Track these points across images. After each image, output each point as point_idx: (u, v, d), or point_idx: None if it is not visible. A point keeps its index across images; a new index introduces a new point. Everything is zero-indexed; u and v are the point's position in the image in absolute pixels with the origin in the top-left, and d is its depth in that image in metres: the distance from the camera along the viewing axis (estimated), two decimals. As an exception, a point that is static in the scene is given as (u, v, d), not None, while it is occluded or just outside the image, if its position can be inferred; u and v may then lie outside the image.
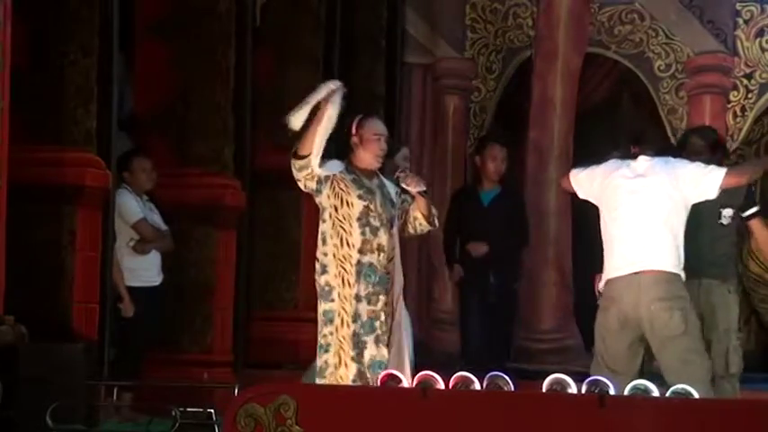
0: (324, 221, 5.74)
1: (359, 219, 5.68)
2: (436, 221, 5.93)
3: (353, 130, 5.83)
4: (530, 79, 10.00)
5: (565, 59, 9.85)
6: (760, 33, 9.63)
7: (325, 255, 5.72)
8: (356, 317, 5.65)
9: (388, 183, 5.86)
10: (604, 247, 5.64)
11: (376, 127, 5.86)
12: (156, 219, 7.55)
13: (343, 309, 5.65)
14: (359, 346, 5.64)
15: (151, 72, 8.16)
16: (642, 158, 5.68)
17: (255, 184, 8.60)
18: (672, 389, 4.46)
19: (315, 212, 9.09)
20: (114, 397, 6.90)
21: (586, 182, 5.78)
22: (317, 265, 5.75)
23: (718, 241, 6.45)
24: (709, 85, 9.73)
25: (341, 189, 5.71)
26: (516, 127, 10.18)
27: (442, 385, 4.59)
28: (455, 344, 9.23)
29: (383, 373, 5.11)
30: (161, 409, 6.39)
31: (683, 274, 5.56)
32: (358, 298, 5.66)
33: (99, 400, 6.79)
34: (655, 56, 9.89)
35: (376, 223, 5.70)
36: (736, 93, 9.68)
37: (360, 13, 9.73)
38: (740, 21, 9.68)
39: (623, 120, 10.20)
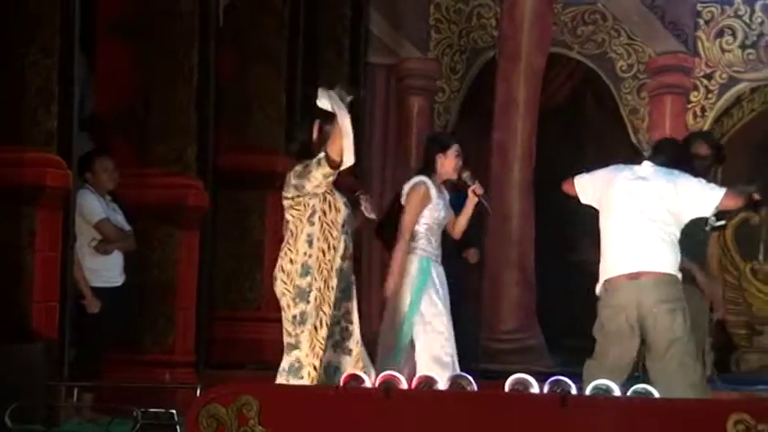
0: (312, 224, 5.72)
1: (342, 225, 5.74)
2: None
3: (316, 135, 5.87)
4: (494, 79, 10.03)
5: (528, 60, 9.89)
6: (720, 34, 9.69)
7: (310, 257, 5.72)
8: (337, 320, 5.73)
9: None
10: (602, 248, 5.64)
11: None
12: (120, 219, 7.51)
13: (323, 311, 5.66)
14: (337, 347, 5.73)
15: (113, 72, 8.12)
16: (647, 164, 5.73)
17: (218, 184, 8.57)
18: (632, 388, 4.48)
19: (278, 212, 9.13)
20: (75, 397, 6.86)
21: (589, 186, 5.77)
22: (296, 267, 5.72)
23: (700, 247, 6.53)
24: (670, 85, 9.79)
25: (328, 193, 5.75)
26: (480, 127, 10.21)
27: (405, 385, 4.59)
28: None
29: (345, 373, 5.10)
30: (122, 410, 6.35)
31: (680, 276, 5.58)
32: (335, 303, 5.72)
33: (59, 400, 6.74)
34: (617, 56, 9.94)
35: (350, 230, 5.80)
36: (696, 93, 9.74)
37: (323, 13, 9.72)
38: (701, 21, 9.75)
39: (586, 120, 10.25)
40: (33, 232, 6.81)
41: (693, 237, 6.55)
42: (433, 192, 6.42)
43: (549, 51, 9.95)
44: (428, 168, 6.51)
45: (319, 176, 5.69)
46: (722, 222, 6.67)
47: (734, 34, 9.68)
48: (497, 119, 9.88)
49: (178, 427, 6.23)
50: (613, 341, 5.54)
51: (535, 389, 4.47)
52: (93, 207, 7.34)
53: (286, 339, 5.73)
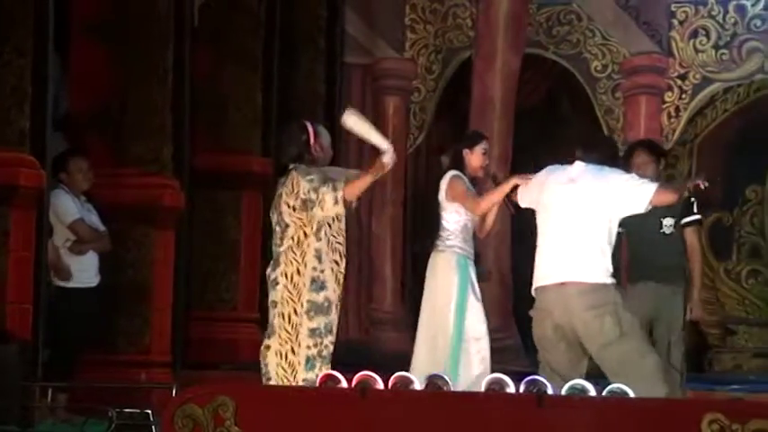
0: (319, 240, 5.71)
1: (346, 230, 5.78)
2: None
3: (313, 137, 5.84)
4: (469, 79, 10.04)
5: (504, 60, 9.90)
6: (694, 34, 9.73)
7: (323, 271, 5.71)
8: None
9: None
10: (536, 253, 5.65)
11: (327, 133, 5.96)
12: (94, 219, 7.48)
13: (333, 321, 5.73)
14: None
15: (87, 72, 8.09)
16: (578, 164, 5.66)
17: (194, 184, 8.56)
18: (608, 388, 4.50)
19: (254, 212, 9.14)
20: (49, 398, 6.83)
21: (526, 191, 5.77)
22: (304, 280, 5.69)
23: (662, 249, 6.57)
24: (644, 85, 9.81)
25: None
26: (456, 127, 10.21)
27: (381, 385, 4.59)
28: (395, 344, 9.24)
29: (322, 373, 5.10)
30: (97, 410, 6.33)
31: (610, 281, 5.52)
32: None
33: (33, 401, 6.72)
34: (592, 56, 9.96)
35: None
36: (670, 93, 9.77)
37: (299, 13, 9.71)
38: (675, 22, 9.78)
39: (561, 120, 10.28)
40: (7, 232, 6.78)
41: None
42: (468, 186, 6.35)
43: (525, 52, 9.96)
44: (458, 164, 6.44)
45: (331, 211, 5.67)
46: (693, 218, 6.68)
47: (707, 35, 9.72)
48: (473, 119, 9.89)
49: (153, 427, 6.22)
50: (542, 346, 5.57)
51: (511, 389, 4.48)
52: (68, 207, 7.31)
53: (306, 352, 5.64)
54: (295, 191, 5.74)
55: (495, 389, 4.49)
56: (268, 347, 5.68)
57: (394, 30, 10.23)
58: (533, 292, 5.59)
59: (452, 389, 4.56)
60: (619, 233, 6.71)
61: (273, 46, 9.27)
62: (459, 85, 10.22)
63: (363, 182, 5.67)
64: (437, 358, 6.14)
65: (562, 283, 5.43)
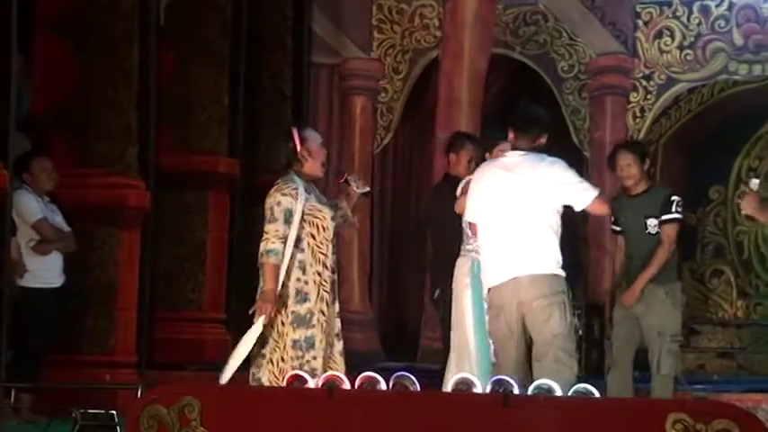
0: (302, 251, 5.73)
1: (332, 240, 5.78)
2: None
3: (298, 144, 5.85)
4: (436, 80, 10.05)
5: (471, 60, 9.92)
6: (659, 35, 9.78)
7: (306, 283, 5.73)
8: (341, 334, 5.81)
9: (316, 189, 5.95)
10: (482, 252, 5.59)
11: (317, 136, 5.99)
12: (59, 220, 7.43)
13: (329, 331, 5.72)
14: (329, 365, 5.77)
15: (51, 71, 8.03)
16: (514, 153, 5.54)
17: (160, 184, 8.52)
18: (574, 388, 4.51)
19: (220, 213, 9.12)
20: (12, 399, 6.78)
21: (469, 204, 5.64)
22: (288, 291, 5.72)
23: (649, 249, 6.57)
24: (610, 86, 9.86)
25: (314, 217, 5.75)
26: (423, 127, 10.23)
27: (347, 386, 4.59)
28: (362, 344, 9.25)
29: (290, 373, 5.09)
30: (61, 411, 6.29)
31: (561, 272, 5.45)
32: (338, 315, 5.82)
33: (-4, 402, 6.68)
34: (558, 57, 10.00)
35: (335, 241, 5.83)
36: (635, 94, 9.81)
37: (266, 12, 9.69)
38: (640, 22, 9.83)
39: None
40: (-30, 233, 6.74)
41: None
42: None
43: (492, 52, 9.99)
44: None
45: (262, 249, 5.73)
46: (672, 216, 6.67)
47: (672, 35, 9.77)
48: (440, 119, 9.91)
49: (118, 428, 6.18)
50: (496, 343, 5.54)
51: (478, 389, 4.48)
52: (31, 207, 7.26)
53: (290, 363, 5.65)
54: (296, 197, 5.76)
55: (462, 389, 4.49)
56: (264, 356, 5.72)
57: (361, 30, 10.24)
58: (485, 293, 5.57)
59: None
60: (615, 231, 6.80)
61: (240, 45, 9.25)
62: (426, 85, 10.23)
63: (266, 277, 5.67)
64: (463, 364, 6.15)
65: (514, 278, 5.39)
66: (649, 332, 6.54)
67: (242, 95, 9.25)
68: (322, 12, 10.19)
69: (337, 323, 5.83)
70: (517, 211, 5.41)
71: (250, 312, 5.76)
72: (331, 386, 4.49)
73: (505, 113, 6.08)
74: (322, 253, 5.74)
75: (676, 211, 6.61)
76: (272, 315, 5.70)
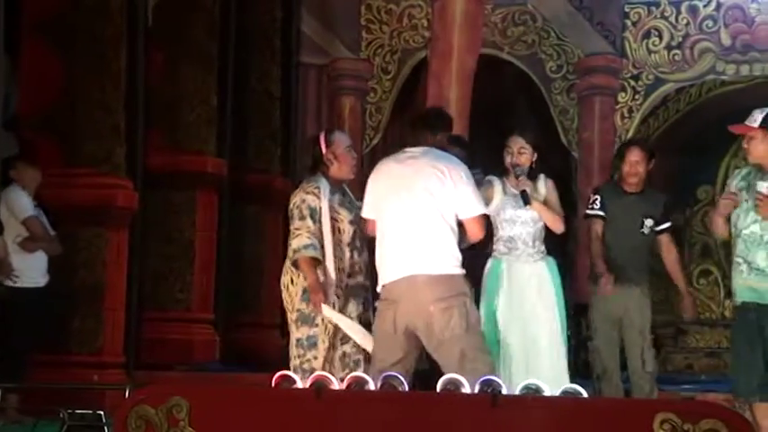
0: None
1: (349, 243, 5.74)
2: None
3: (324, 148, 5.81)
4: (425, 80, 10.06)
5: (459, 60, 9.92)
6: (647, 35, 9.80)
7: None
8: (348, 338, 5.71)
9: (349, 193, 5.91)
10: (377, 247, 5.41)
11: (345, 140, 5.93)
12: (45, 222, 7.43)
13: (333, 333, 5.69)
14: (349, 366, 5.71)
15: (38, 71, 8.03)
16: (409, 151, 5.45)
17: (148, 185, 8.52)
18: (562, 388, 4.51)
19: (208, 213, 9.11)
20: (-1, 399, 6.79)
21: (367, 203, 5.46)
22: (297, 289, 5.71)
23: (639, 249, 6.62)
24: (598, 86, 9.87)
25: (332, 219, 5.71)
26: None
27: (336, 386, 4.59)
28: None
29: (278, 374, 5.09)
30: (48, 411, 6.28)
31: (459, 271, 5.34)
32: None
33: (-16, 402, 6.67)
34: (547, 57, 10.01)
35: (359, 244, 5.77)
36: (624, 94, 9.83)
37: (255, 13, 9.70)
38: (628, 23, 9.85)
39: (517, 120, 10.32)
40: (-44, 232, 6.73)
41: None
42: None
43: (480, 52, 10.00)
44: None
45: (289, 250, 5.72)
46: (669, 224, 6.76)
47: (660, 35, 9.79)
48: (429, 119, 9.89)
49: (106, 428, 6.18)
50: (377, 338, 5.37)
51: (466, 389, 4.48)
52: (23, 203, 7.28)
53: (292, 362, 5.69)
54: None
55: (450, 389, 4.49)
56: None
57: (350, 30, 10.24)
58: (380, 289, 5.37)
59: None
60: (600, 216, 6.79)
61: (228, 46, 9.25)
62: (415, 85, 10.24)
63: (306, 271, 5.63)
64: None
65: (411, 276, 5.24)
66: (631, 331, 6.58)
67: (230, 96, 9.26)
68: (310, 12, 10.19)
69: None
70: (417, 208, 5.30)
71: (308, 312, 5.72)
72: (319, 386, 4.49)
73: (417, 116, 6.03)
74: (336, 256, 5.71)
75: (671, 219, 6.73)
76: (287, 312, 5.71)
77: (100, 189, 7.96)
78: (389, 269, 5.32)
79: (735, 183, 5.70)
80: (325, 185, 5.73)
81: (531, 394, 4.34)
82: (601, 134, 9.70)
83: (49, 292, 7.38)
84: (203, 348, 8.85)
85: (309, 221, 5.64)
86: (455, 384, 4.50)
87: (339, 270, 5.70)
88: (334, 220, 5.71)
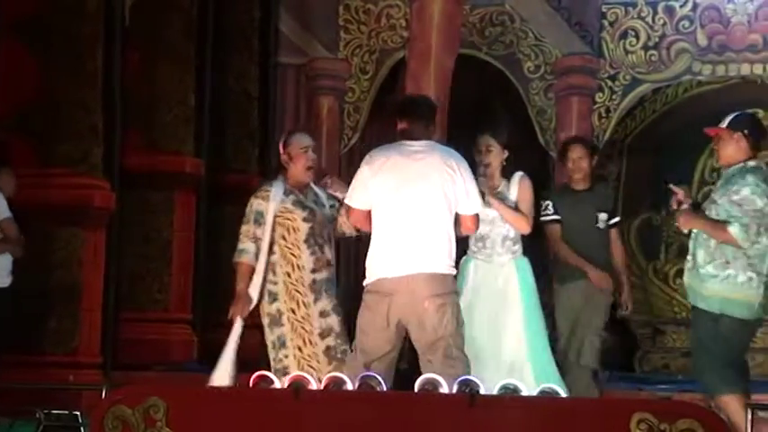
0: (273, 253, 5.86)
1: (306, 240, 5.83)
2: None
3: (281, 149, 5.98)
4: (403, 80, 10.05)
5: (438, 60, 9.90)
6: (624, 35, 9.82)
7: (276, 284, 5.86)
8: (328, 331, 5.80)
9: (320, 192, 6.00)
10: (373, 242, 5.37)
11: (301, 141, 6.00)
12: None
13: (303, 329, 5.75)
14: (336, 358, 5.78)
15: (15, 72, 8.01)
16: (412, 144, 5.43)
17: (125, 185, 8.50)
18: (539, 388, 4.53)
19: (186, 213, 9.09)
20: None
21: (361, 194, 5.41)
22: (266, 295, 5.86)
23: (596, 244, 6.67)
24: (576, 86, 9.88)
25: (286, 219, 5.84)
26: (390, 128, 10.21)
27: (314, 386, 4.59)
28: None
29: (256, 374, 5.09)
30: (24, 412, 6.26)
31: (453, 271, 5.39)
32: (324, 313, 5.82)
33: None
34: (524, 57, 10.01)
35: (321, 241, 5.87)
36: (601, 94, 9.85)
37: (232, 12, 9.68)
38: (606, 23, 9.86)
39: (495, 121, 10.32)
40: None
41: (586, 234, 6.69)
42: None
43: (459, 52, 10.00)
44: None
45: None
46: (618, 219, 6.84)
47: (637, 36, 9.81)
48: (407, 119, 9.88)
49: (82, 428, 6.16)
50: (364, 330, 5.33)
51: (444, 389, 4.50)
52: (2, 204, 7.25)
53: (273, 365, 5.80)
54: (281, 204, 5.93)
55: (429, 389, 4.50)
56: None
57: (328, 30, 10.22)
58: (369, 281, 5.32)
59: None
60: (555, 220, 6.82)
61: (206, 46, 9.23)
62: (393, 85, 10.23)
63: (238, 277, 5.82)
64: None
65: (411, 275, 5.25)
66: (581, 325, 6.63)
67: (208, 96, 9.24)
68: (288, 12, 10.17)
69: (324, 322, 5.84)
70: (425, 205, 5.30)
71: (229, 317, 5.84)
72: (297, 386, 4.49)
73: (397, 104, 6.00)
74: (293, 254, 5.83)
75: (617, 213, 6.86)
76: (245, 314, 5.77)
77: (77, 189, 7.94)
78: (388, 264, 5.30)
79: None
80: (278, 188, 5.86)
81: (509, 394, 4.35)
82: (579, 134, 9.71)
83: (15, 292, 7.34)
84: (181, 349, 8.83)
85: (252, 226, 5.83)
86: (433, 384, 4.51)
87: (299, 268, 5.81)
88: (286, 220, 5.83)
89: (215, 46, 9.35)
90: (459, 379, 4.58)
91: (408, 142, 5.48)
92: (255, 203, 5.86)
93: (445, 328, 5.29)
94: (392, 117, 5.67)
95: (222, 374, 5.76)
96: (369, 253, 5.40)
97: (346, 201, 5.53)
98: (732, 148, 5.64)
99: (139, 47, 8.83)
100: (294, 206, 5.86)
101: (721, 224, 5.52)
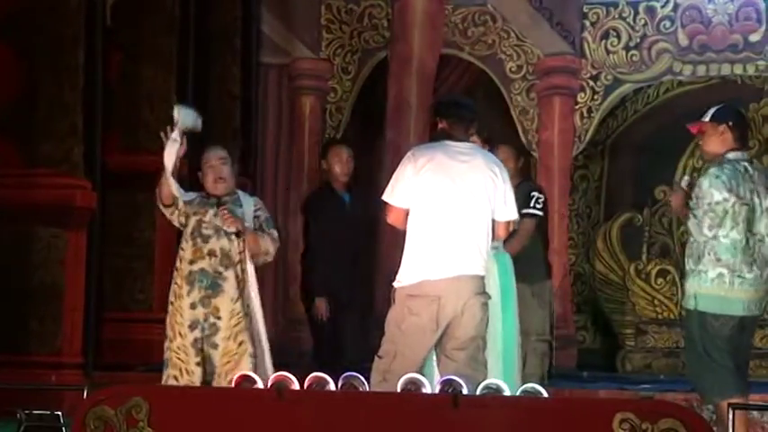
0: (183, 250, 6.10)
1: (191, 233, 6.04)
2: (268, 257, 6.24)
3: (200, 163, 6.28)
4: (386, 80, 10.06)
5: (420, 60, 9.92)
6: (605, 36, 9.85)
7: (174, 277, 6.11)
8: (195, 324, 5.89)
9: (246, 199, 6.21)
10: (415, 240, 5.30)
11: (206, 156, 6.32)
12: None
13: (176, 321, 5.82)
14: (204, 350, 5.89)
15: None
16: (455, 146, 5.38)
17: (107, 185, 8.48)
18: (522, 387, 4.54)
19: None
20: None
21: (403, 192, 5.33)
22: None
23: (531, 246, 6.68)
24: (557, 86, 9.90)
25: (186, 214, 6.15)
26: (373, 127, 10.23)
27: (297, 386, 4.58)
28: (311, 344, 9.22)
29: (238, 374, 5.09)
30: (5, 412, 6.23)
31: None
32: (193, 305, 5.95)
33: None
34: (507, 57, 10.03)
35: (208, 232, 6.02)
36: (583, 94, 9.87)
37: (214, 12, 9.66)
38: (587, 23, 9.88)
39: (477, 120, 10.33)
40: None
41: None
42: None
43: (441, 52, 10.01)
44: None
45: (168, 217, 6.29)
46: (529, 211, 6.77)
47: (618, 36, 9.83)
48: (390, 119, 9.90)
49: (64, 429, 6.13)
50: (408, 333, 5.25)
51: (427, 389, 4.50)
52: None
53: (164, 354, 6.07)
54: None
55: (411, 389, 4.51)
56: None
57: (310, 30, 10.22)
58: (412, 284, 5.26)
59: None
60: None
61: (188, 45, 9.21)
62: (376, 85, 10.23)
63: (163, 182, 6.18)
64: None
65: (457, 276, 5.25)
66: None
67: (190, 96, 9.21)
68: (270, 12, 10.16)
69: (192, 314, 6.02)
70: (470, 207, 5.29)
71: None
72: (280, 386, 4.49)
73: (438, 103, 5.96)
74: (181, 248, 6.14)
75: (534, 207, 6.71)
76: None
77: (58, 189, 7.92)
78: (433, 266, 5.24)
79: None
80: (194, 197, 6.23)
81: (492, 394, 4.36)
82: (560, 134, 9.74)
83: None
84: (164, 349, 8.79)
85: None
86: (416, 384, 4.51)
87: (181, 260, 6.05)
88: (188, 215, 6.14)
89: (197, 46, 9.33)
90: (442, 379, 4.59)
91: (451, 143, 5.41)
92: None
93: (481, 327, 5.31)
94: (433, 115, 5.60)
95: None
96: (407, 253, 5.32)
97: (385, 198, 5.39)
98: (716, 142, 5.62)
99: (121, 46, 8.81)
100: (196, 205, 6.14)
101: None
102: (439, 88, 10.11)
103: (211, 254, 5.99)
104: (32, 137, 7.95)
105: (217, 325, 5.95)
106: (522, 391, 4.45)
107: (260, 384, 4.68)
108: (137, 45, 8.89)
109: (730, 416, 4.97)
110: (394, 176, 5.39)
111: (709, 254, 5.46)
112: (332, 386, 4.59)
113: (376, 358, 5.36)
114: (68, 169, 7.99)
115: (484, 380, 4.90)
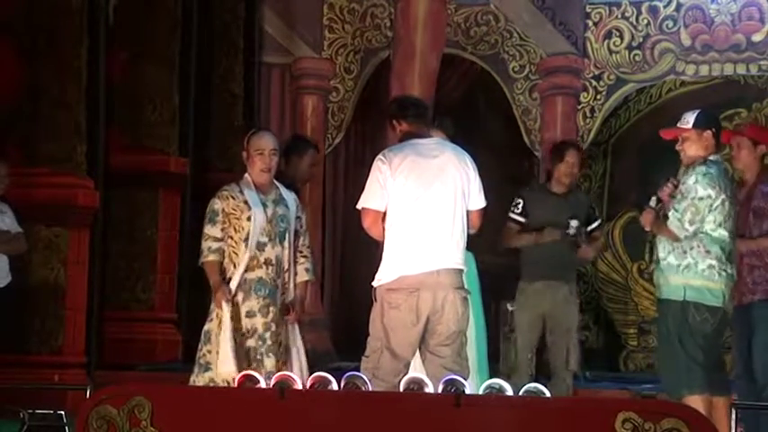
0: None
1: (245, 240, 5.87)
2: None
3: (244, 146, 6.01)
4: (388, 79, 10.06)
5: (422, 60, 9.91)
6: (608, 35, 9.85)
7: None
8: (252, 332, 5.84)
9: (287, 195, 6.01)
10: (393, 239, 5.33)
11: (258, 142, 5.99)
12: (8, 221, 7.37)
13: (221, 327, 5.78)
14: (256, 359, 5.83)
15: (-1, 71, 7.99)
16: (423, 143, 5.42)
17: (110, 184, 8.49)
18: (524, 387, 4.53)
19: (171, 212, 9.08)
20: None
21: (380, 195, 5.35)
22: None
23: (564, 248, 6.72)
24: (560, 86, 9.90)
25: (236, 218, 5.91)
26: (375, 127, 10.23)
27: (299, 385, 4.58)
28: (314, 344, 9.23)
29: (240, 374, 5.09)
30: (8, 411, 6.24)
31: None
32: (250, 313, 5.85)
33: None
34: (509, 57, 10.03)
35: (264, 239, 5.89)
36: (585, 94, 9.87)
37: (217, 12, 9.67)
38: (590, 23, 9.88)
39: (480, 120, 10.34)
40: None
41: None
42: None
43: (443, 52, 10.01)
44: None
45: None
46: (598, 223, 6.94)
47: (621, 36, 9.83)
48: (392, 118, 9.89)
49: (67, 428, 6.14)
50: (392, 327, 5.28)
51: (430, 389, 4.50)
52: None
53: (198, 358, 5.90)
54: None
55: (414, 389, 4.51)
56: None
57: (312, 29, 10.22)
58: (392, 279, 5.29)
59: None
60: (517, 222, 6.89)
61: (191, 45, 9.23)
62: (378, 85, 10.24)
63: (207, 274, 5.94)
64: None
65: (436, 270, 5.27)
66: (556, 329, 6.68)
67: (192, 95, 9.23)
68: (273, 11, 10.17)
69: (249, 322, 5.87)
70: (446, 202, 5.33)
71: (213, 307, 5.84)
72: (283, 386, 4.49)
73: (393, 106, 5.94)
74: (234, 252, 5.89)
75: (600, 217, 7.06)
76: (228, 298, 5.82)
77: (61, 188, 7.93)
78: (411, 261, 5.30)
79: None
80: (233, 188, 5.94)
81: (495, 394, 4.36)
82: (563, 134, 9.73)
83: (10, 293, 7.32)
84: (166, 348, 8.82)
85: (208, 225, 5.93)
86: (418, 384, 4.51)
87: (235, 266, 5.88)
88: (236, 219, 5.90)
89: (199, 45, 9.34)
90: (445, 378, 4.59)
91: (420, 141, 5.47)
92: (211, 202, 5.94)
93: (463, 322, 5.32)
94: (389, 119, 5.62)
95: (227, 364, 5.74)
96: (386, 252, 5.37)
97: (363, 204, 5.43)
98: (700, 147, 5.70)
99: (124, 46, 8.82)
100: (244, 205, 5.91)
101: (665, 223, 5.59)
102: (441, 88, 10.11)
103: (268, 263, 5.90)
104: (35, 136, 7.96)
105: (273, 332, 5.92)
106: (525, 391, 4.45)
107: (262, 384, 4.68)
108: (139, 44, 8.90)
109: (732, 415, 4.99)
110: (368, 182, 5.44)
111: (698, 246, 5.50)
112: (334, 386, 4.59)
113: (363, 359, 5.38)
114: (71, 168, 8.00)
115: (468, 375, 4.93)
